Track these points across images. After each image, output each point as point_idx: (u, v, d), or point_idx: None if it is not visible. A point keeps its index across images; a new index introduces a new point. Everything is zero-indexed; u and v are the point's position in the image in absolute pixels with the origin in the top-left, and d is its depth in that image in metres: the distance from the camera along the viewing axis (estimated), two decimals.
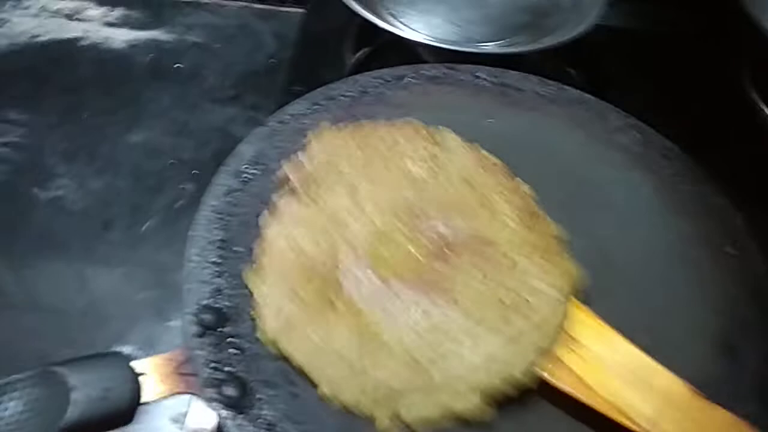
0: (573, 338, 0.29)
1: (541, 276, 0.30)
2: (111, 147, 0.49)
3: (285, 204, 0.33)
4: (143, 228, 0.45)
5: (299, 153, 0.34)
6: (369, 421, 0.27)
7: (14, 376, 0.25)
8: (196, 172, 0.48)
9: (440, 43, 0.45)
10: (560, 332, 0.29)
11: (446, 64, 0.40)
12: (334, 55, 0.53)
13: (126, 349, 0.40)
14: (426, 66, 0.40)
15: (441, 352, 0.28)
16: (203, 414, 0.34)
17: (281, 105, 0.50)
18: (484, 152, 0.35)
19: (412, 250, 0.31)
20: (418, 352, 0.28)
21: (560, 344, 0.29)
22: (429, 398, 0.27)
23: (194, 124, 0.51)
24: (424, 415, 0.27)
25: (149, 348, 0.40)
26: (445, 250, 0.31)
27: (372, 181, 0.33)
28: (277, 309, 0.29)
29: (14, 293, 0.43)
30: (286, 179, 0.33)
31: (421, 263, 0.31)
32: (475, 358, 0.28)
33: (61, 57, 0.55)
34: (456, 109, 0.38)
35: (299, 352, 0.28)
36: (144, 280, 0.43)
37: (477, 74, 0.40)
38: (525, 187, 0.34)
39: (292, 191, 0.33)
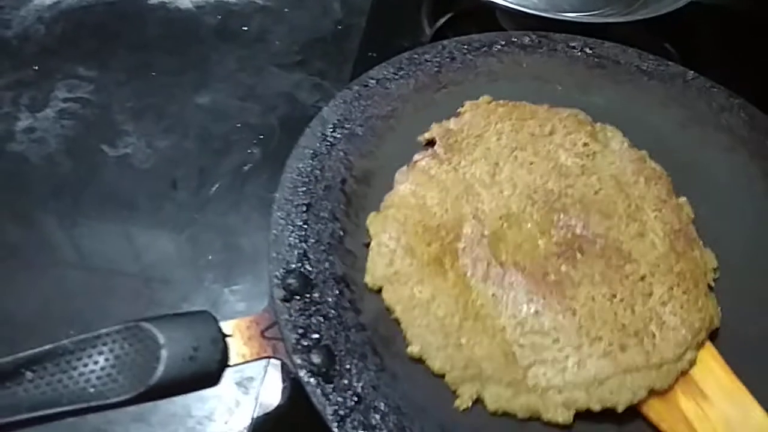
0: (700, 389, 0.27)
1: (677, 311, 0.28)
2: (178, 107, 0.49)
3: (425, 164, 0.32)
4: (211, 191, 0.44)
5: (451, 119, 0.33)
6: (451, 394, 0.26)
7: (103, 329, 0.24)
8: (263, 136, 0.48)
9: (527, 9, 0.42)
10: (686, 378, 0.27)
11: (539, 32, 0.38)
12: (410, 22, 0.51)
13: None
14: (517, 33, 0.38)
15: (542, 358, 0.27)
16: (274, 387, 0.33)
17: (352, 71, 0.50)
18: (651, 162, 0.33)
19: (541, 243, 0.29)
20: (519, 349, 0.27)
21: (683, 390, 0.27)
22: (517, 396, 0.26)
23: (260, 89, 0.50)
24: (508, 409, 0.26)
25: (215, 311, 0.38)
26: (577, 253, 0.29)
27: (518, 163, 0.32)
28: (391, 259, 0.28)
29: (81, 250, 0.42)
30: (432, 141, 0.33)
31: (546, 259, 0.29)
32: (578, 377, 0.26)
33: (129, 15, 0.54)
34: (548, 80, 0.36)
35: (400, 306, 0.27)
36: (210, 243, 0.42)
37: (571, 44, 0.38)
38: (688, 209, 0.32)
39: (435, 154, 0.32)
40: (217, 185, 0.45)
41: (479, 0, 0.43)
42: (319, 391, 0.24)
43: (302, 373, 0.25)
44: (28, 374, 0.22)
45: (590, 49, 0.38)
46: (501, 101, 0.35)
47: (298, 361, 0.25)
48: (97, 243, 0.43)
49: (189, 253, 0.42)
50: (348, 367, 0.26)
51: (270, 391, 0.34)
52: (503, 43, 0.37)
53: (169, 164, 0.46)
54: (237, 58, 0.52)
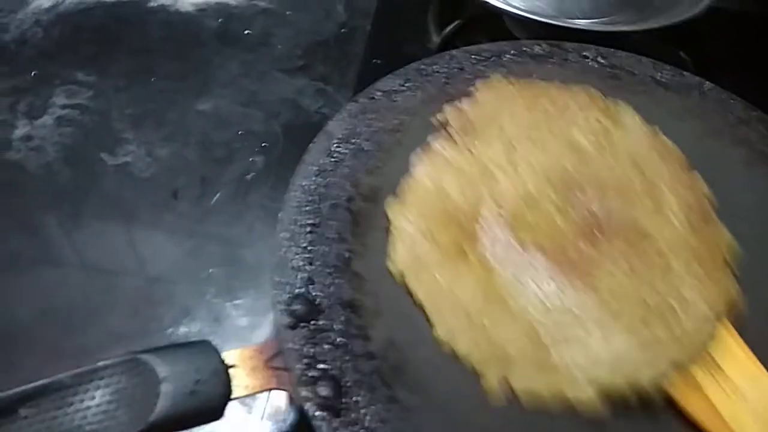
0: (716, 364, 0.27)
1: (696, 287, 0.28)
2: (179, 114, 0.48)
3: (439, 147, 0.32)
4: (213, 200, 0.43)
5: (464, 100, 0.33)
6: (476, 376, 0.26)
7: (101, 362, 0.23)
8: (265, 144, 0.47)
9: (535, 16, 0.41)
10: (703, 353, 0.27)
11: (550, 41, 0.37)
12: (417, 27, 0.50)
13: (193, 327, 0.39)
14: (528, 42, 0.37)
15: (566, 335, 0.26)
16: (279, 407, 0.33)
17: (357, 79, 0.48)
18: (663, 137, 0.33)
19: (559, 223, 0.29)
20: (542, 327, 0.27)
21: (700, 366, 0.27)
22: (542, 375, 0.26)
23: (263, 94, 0.49)
24: (534, 389, 0.26)
25: (217, 326, 0.39)
26: (595, 232, 0.29)
27: (532, 143, 0.32)
28: (411, 244, 0.28)
29: (80, 260, 0.42)
30: (446, 123, 0.33)
31: (565, 238, 0.29)
32: (602, 352, 0.26)
33: (129, 18, 0.53)
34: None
35: (423, 290, 0.27)
36: (212, 255, 0.41)
37: (584, 53, 0.36)
38: (703, 186, 0.32)
39: (449, 136, 0.32)
40: (218, 195, 0.44)
41: (487, 6, 0.42)
42: (325, 426, 0.24)
43: (308, 407, 0.24)
44: (22, 411, 0.21)
45: (603, 58, 0.37)
46: (512, 79, 0.34)
47: (305, 394, 0.24)
48: (97, 254, 0.42)
49: (190, 266, 0.41)
50: (356, 399, 0.25)
51: (276, 413, 0.33)
52: (513, 52, 0.36)
53: (169, 173, 0.44)
54: (239, 63, 0.51)
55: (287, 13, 0.55)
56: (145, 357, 0.23)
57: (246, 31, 0.53)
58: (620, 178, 0.31)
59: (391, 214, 0.30)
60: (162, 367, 0.23)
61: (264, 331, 0.39)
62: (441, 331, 0.27)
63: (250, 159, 0.46)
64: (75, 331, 0.38)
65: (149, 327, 0.38)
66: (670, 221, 0.30)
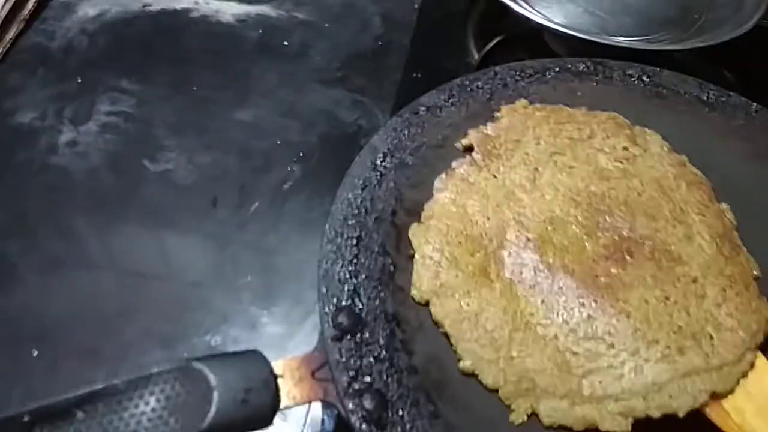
0: (753, 393, 0.26)
1: (733, 314, 0.27)
2: (219, 123, 0.48)
3: (463, 172, 0.32)
4: (251, 209, 0.44)
5: (488, 125, 0.33)
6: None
7: (153, 369, 0.24)
8: (302, 154, 0.47)
9: (577, 33, 0.41)
10: (740, 382, 0.26)
11: (594, 59, 0.37)
12: (456, 43, 0.50)
13: (231, 333, 0.39)
14: (571, 60, 0.37)
15: (598, 365, 0.26)
16: (317, 415, 0.33)
17: (396, 93, 0.49)
18: (691, 167, 0.33)
19: (588, 246, 0.29)
20: (573, 357, 0.26)
21: (737, 395, 0.26)
22: (573, 408, 0.25)
23: (301, 105, 0.50)
24: (564, 422, 0.25)
25: (253, 333, 0.39)
26: (625, 256, 0.28)
27: (558, 167, 0.32)
28: (436, 271, 0.28)
29: (120, 265, 0.42)
30: (470, 148, 0.32)
31: (595, 262, 0.28)
32: (636, 383, 0.26)
33: (171, 28, 0.54)
34: (603, 109, 0.35)
35: (449, 320, 0.27)
36: (249, 263, 0.42)
37: (628, 72, 0.36)
38: (729, 215, 0.31)
39: (473, 161, 0.32)
40: (257, 204, 0.44)
41: (528, 23, 0.42)
42: None
43: (354, 419, 0.24)
44: (80, 414, 0.22)
45: (648, 77, 0.36)
46: (538, 105, 0.34)
47: (350, 406, 0.24)
48: (136, 258, 0.43)
49: (228, 273, 0.41)
50: (401, 413, 0.25)
51: (313, 423, 0.33)
52: (557, 69, 0.36)
53: (209, 181, 0.45)
54: (278, 74, 0.52)
55: (325, 25, 0.56)
56: (197, 365, 0.24)
57: (285, 43, 0.54)
58: (648, 203, 0.30)
59: (414, 241, 0.29)
60: (213, 376, 0.23)
61: (299, 340, 0.39)
62: (467, 363, 0.26)
63: (288, 169, 0.46)
64: (114, 335, 0.38)
65: (187, 332, 0.39)
66: (701, 248, 0.29)
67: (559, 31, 0.40)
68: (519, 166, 0.32)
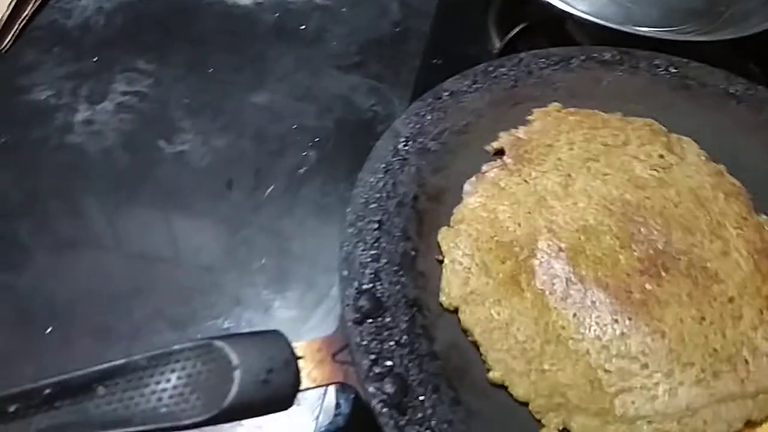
0: None
1: None
2: (235, 105, 0.48)
3: (494, 176, 0.31)
4: (266, 193, 0.44)
5: (520, 128, 0.32)
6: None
7: (175, 346, 0.23)
8: (318, 139, 0.47)
9: (601, 21, 0.40)
10: None
11: (620, 48, 0.36)
12: (476, 29, 0.49)
13: (244, 316, 0.39)
14: (597, 48, 0.36)
15: (631, 384, 0.25)
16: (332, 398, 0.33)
17: (416, 78, 0.48)
18: (728, 177, 0.32)
19: (622, 259, 0.28)
20: (605, 375, 0.25)
21: None
22: (606, 426, 0.25)
23: (317, 90, 0.50)
24: None
25: (267, 317, 0.39)
26: (661, 271, 0.28)
27: (591, 174, 0.31)
28: (465, 277, 0.27)
29: (134, 246, 0.42)
30: (501, 152, 0.32)
31: (629, 275, 0.27)
32: (670, 406, 0.25)
33: (188, 9, 0.54)
34: (629, 99, 0.34)
35: (479, 328, 0.26)
36: (264, 247, 0.42)
37: (655, 62, 0.36)
38: None
39: (504, 165, 0.31)
40: (272, 187, 0.44)
41: (552, 10, 0.41)
42: (392, 422, 0.23)
43: (375, 403, 0.24)
44: (100, 389, 0.22)
45: (675, 68, 0.36)
46: (571, 109, 0.33)
47: (371, 390, 0.24)
48: (150, 240, 0.43)
49: (242, 256, 0.41)
50: (421, 399, 0.25)
51: (329, 406, 0.33)
52: (583, 58, 0.36)
53: (224, 163, 0.45)
54: (294, 58, 0.51)
55: (343, 9, 0.55)
56: (218, 343, 0.23)
57: (302, 27, 0.53)
58: (685, 215, 0.30)
59: (444, 246, 0.29)
60: (235, 355, 0.23)
61: (312, 324, 0.39)
62: (497, 374, 0.26)
63: (303, 153, 0.46)
64: (126, 314, 0.38)
65: (200, 314, 0.39)
66: (738, 264, 0.28)
67: (585, 19, 0.39)
68: (551, 172, 0.31)
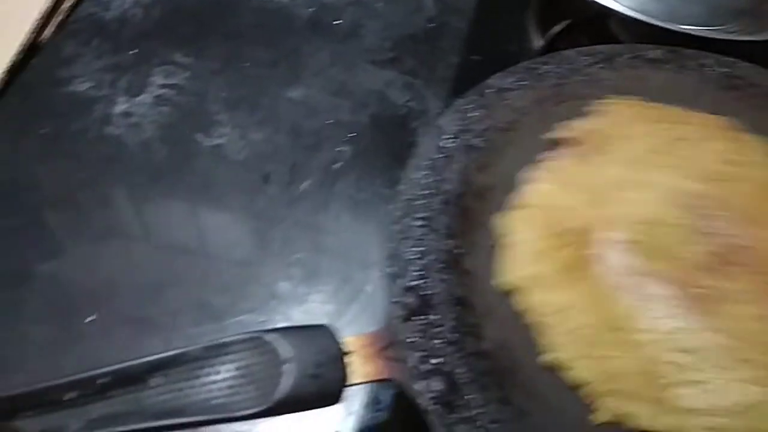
0: None
1: None
2: (271, 100, 0.48)
3: (559, 164, 0.30)
4: (301, 187, 0.44)
5: (586, 118, 0.32)
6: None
7: (225, 338, 0.24)
8: (353, 134, 0.47)
9: (647, 18, 0.40)
10: None
11: (667, 47, 0.36)
12: (516, 26, 0.49)
13: (280, 309, 0.39)
14: (644, 46, 0.36)
15: (685, 377, 0.25)
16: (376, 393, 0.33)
17: (455, 74, 0.48)
18: None
19: (686, 251, 0.27)
20: (662, 366, 0.25)
21: None
22: (659, 416, 0.25)
23: (352, 85, 0.49)
24: (649, 429, 0.25)
25: (303, 312, 0.39)
26: (724, 266, 0.27)
27: (655, 166, 0.30)
28: (525, 262, 0.27)
29: (170, 238, 0.43)
30: (563, 141, 0.31)
31: (692, 269, 0.27)
32: (724, 401, 0.25)
33: (224, 2, 0.54)
34: (676, 99, 0.34)
35: (539, 311, 0.26)
36: (299, 241, 0.42)
37: (703, 61, 0.35)
38: None
39: (568, 154, 0.31)
40: (308, 182, 0.44)
41: (595, 6, 0.41)
42: (442, 420, 0.23)
43: (424, 401, 0.24)
44: (155, 380, 0.22)
45: (723, 68, 0.35)
46: (634, 101, 0.33)
47: (420, 387, 0.24)
48: (188, 232, 0.43)
49: (278, 250, 0.41)
50: (469, 397, 0.24)
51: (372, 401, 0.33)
52: (629, 55, 0.35)
53: (261, 158, 0.45)
54: (329, 53, 0.51)
55: (377, 5, 0.55)
56: (269, 336, 0.23)
57: (336, 22, 0.53)
58: (753, 211, 0.29)
59: (502, 230, 0.29)
60: (284, 348, 0.23)
61: (347, 319, 0.39)
62: (553, 356, 0.26)
63: (338, 149, 0.46)
64: (165, 306, 0.39)
65: (236, 307, 0.39)
66: None
67: (629, 15, 0.38)
68: (613, 162, 0.30)
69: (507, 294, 0.27)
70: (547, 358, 0.26)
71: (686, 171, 0.30)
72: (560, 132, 0.32)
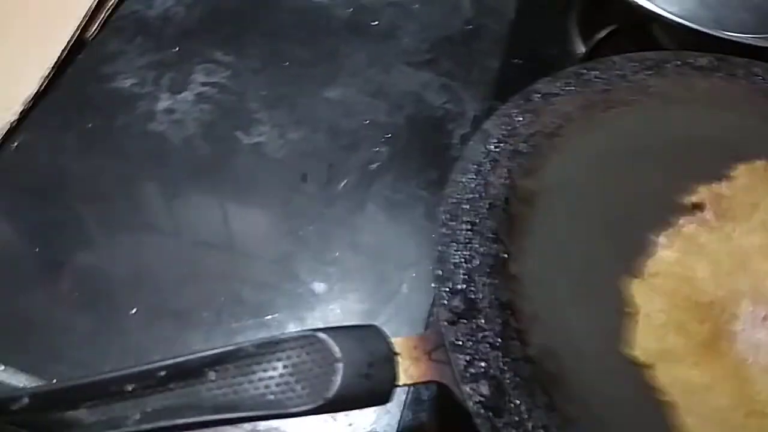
0: None
1: None
2: (309, 100, 0.49)
3: (692, 231, 0.29)
4: (339, 187, 0.44)
5: (723, 182, 0.31)
6: None
7: (278, 335, 0.24)
8: (390, 135, 0.47)
9: (692, 24, 0.39)
10: None
11: (716, 55, 0.35)
12: (557, 30, 0.49)
13: (319, 308, 0.40)
14: (692, 53, 0.35)
15: None
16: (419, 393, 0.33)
17: (497, 77, 0.48)
18: None
19: None
20: None
21: None
22: None
23: (389, 86, 0.50)
24: None
25: (342, 310, 0.39)
26: None
27: None
28: (662, 335, 0.26)
29: (212, 234, 0.43)
30: (701, 206, 0.30)
31: None
32: None
33: (263, 2, 0.55)
34: (726, 108, 0.33)
35: (677, 389, 0.25)
36: (336, 240, 0.42)
37: (753, 70, 0.35)
38: None
39: (704, 221, 0.30)
40: (345, 182, 0.45)
41: (640, 11, 0.40)
42: (489, 424, 0.24)
43: (471, 404, 0.24)
44: (211, 374, 0.23)
45: None
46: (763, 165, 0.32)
47: (468, 390, 0.24)
48: (229, 228, 0.44)
49: (316, 248, 0.42)
50: (516, 402, 0.25)
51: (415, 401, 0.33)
52: (678, 63, 0.35)
53: (300, 157, 0.46)
54: (366, 54, 0.52)
55: (414, 6, 0.55)
56: (322, 335, 0.24)
57: (374, 23, 0.54)
58: None
59: (638, 300, 0.27)
60: (337, 347, 0.24)
61: (383, 319, 0.39)
62: None
63: (375, 149, 0.46)
64: (206, 300, 0.39)
65: (276, 303, 0.40)
66: None
67: (676, 22, 0.38)
68: (756, 231, 0.29)
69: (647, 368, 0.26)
70: None
71: None
72: (696, 197, 0.31)
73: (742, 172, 0.31)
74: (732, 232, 0.29)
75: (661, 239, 0.29)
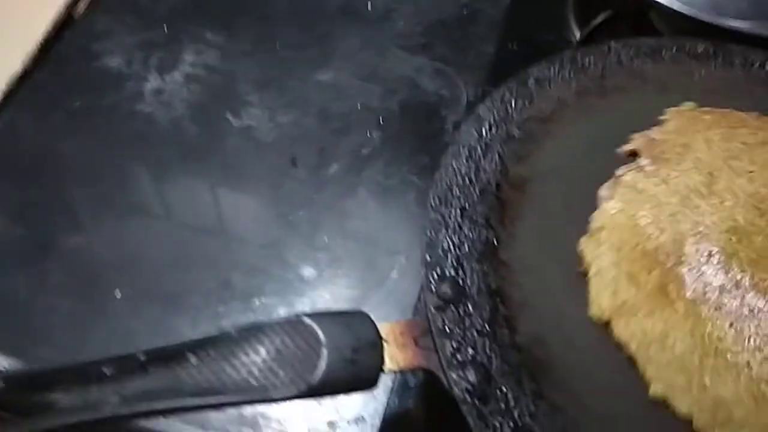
0: None
1: None
2: (300, 83, 0.48)
3: (630, 179, 0.29)
4: (329, 171, 0.44)
5: (653, 128, 0.31)
6: None
7: (262, 321, 0.24)
8: (382, 120, 0.46)
9: (688, 11, 0.39)
10: None
11: (713, 41, 0.35)
12: (553, 15, 0.48)
13: (308, 293, 0.39)
14: (689, 40, 0.35)
15: None
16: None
17: (493, 62, 0.47)
18: None
19: None
20: None
21: None
22: None
23: (382, 70, 0.49)
24: None
25: (329, 295, 0.39)
26: None
27: (735, 172, 0.29)
28: (614, 289, 0.26)
29: (199, 217, 0.43)
30: (634, 153, 0.30)
31: None
32: None
33: None
34: (723, 95, 0.33)
35: (635, 342, 0.25)
36: (326, 225, 0.42)
37: (750, 57, 0.34)
38: None
39: (640, 167, 0.30)
40: (335, 166, 0.44)
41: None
42: (476, 411, 0.23)
43: (458, 391, 0.24)
44: (192, 358, 0.22)
45: None
46: (706, 108, 0.32)
47: (454, 377, 0.24)
48: (216, 212, 0.43)
49: (304, 233, 0.41)
50: (504, 390, 0.24)
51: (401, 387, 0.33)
52: (674, 49, 0.34)
53: (290, 140, 0.45)
54: (360, 37, 0.51)
55: None
56: (306, 320, 0.23)
57: (368, 6, 0.53)
58: None
59: (587, 256, 0.27)
60: (322, 332, 0.23)
61: (372, 305, 0.39)
62: (658, 389, 0.25)
63: (367, 134, 0.46)
64: (193, 284, 0.39)
65: (264, 288, 0.39)
66: None
67: (674, 9, 0.37)
68: (691, 171, 0.29)
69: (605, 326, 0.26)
70: (651, 392, 0.25)
71: (764, 176, 0.29)
72: (630, 145, 0.31)
73: (670, 115, 0.31)
74: (668, 175, 0.29)
75: (602, 192, 0.29)
